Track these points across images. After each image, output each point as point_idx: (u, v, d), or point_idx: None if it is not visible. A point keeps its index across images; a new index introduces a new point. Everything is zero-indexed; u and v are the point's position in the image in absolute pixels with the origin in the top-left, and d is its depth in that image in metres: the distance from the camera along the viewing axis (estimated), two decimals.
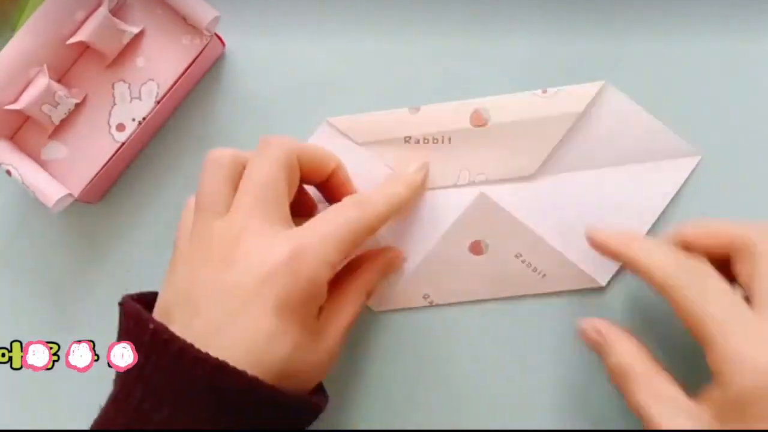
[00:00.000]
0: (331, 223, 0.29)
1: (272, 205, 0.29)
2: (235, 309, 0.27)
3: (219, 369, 0.25)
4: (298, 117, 0.37)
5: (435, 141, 0.36)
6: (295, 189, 0.31)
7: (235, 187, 0.30)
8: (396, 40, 0.37)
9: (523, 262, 0.35)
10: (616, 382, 0.30)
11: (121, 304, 0.29)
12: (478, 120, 0.35)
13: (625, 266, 0.33)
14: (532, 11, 0.37)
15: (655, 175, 0.35)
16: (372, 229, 0.30)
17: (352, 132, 0.36)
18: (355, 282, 0.32)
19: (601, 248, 0.32)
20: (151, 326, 0.26)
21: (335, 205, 0.30)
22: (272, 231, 0.29)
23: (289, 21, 0.38)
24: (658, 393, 0.28)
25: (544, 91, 0.35)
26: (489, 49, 0.37)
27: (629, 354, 0.30)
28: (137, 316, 0.27)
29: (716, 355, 0.27)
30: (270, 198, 0.29)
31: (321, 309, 0.30)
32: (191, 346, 0.26)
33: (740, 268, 0.29)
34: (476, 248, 0.35)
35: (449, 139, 0.36)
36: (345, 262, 0.33)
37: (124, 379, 0.27)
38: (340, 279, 0.32)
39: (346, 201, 0.31)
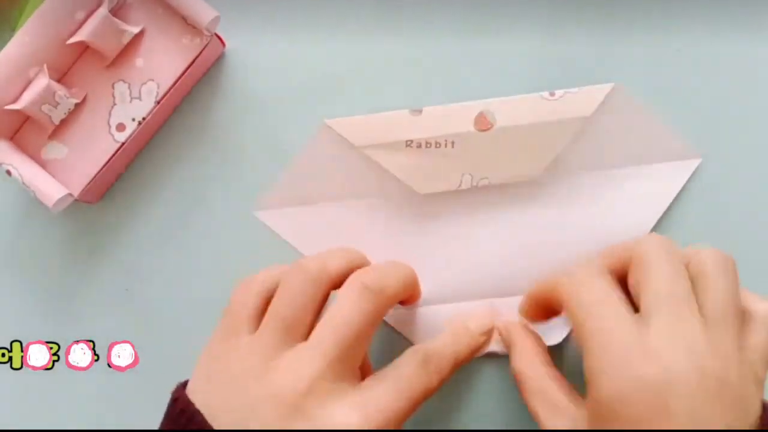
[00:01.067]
0: (401, 395, 0.28)
1: (351, 360, 0.28)
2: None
3: None
4: (299, 117, 0.37)
5: (437, 145, 0.35)
6: (321, 306, 0.29)
7: (266, 303, 0.29)
8: (396, 40, 0.37)
9: None
10: (515, 383, 0.31)
11: (175, 399, 0.28)
12: (483, 123, 0.34)
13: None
14: (535, 11, 0.37)
15: (657, 177, 0.35)
16: (431, 394, 0.29)
17: (351, 134, 0.35)
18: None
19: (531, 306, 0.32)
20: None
21: (404, 367, 0.29)
22: (344, 396, 0.27)
23: (290, 21, 0.38)
24: (544, 397, 0.29)
25: (552, 94, 0.35)
26: (491, 49, 0.37)
27: (525, 358, 0.31)
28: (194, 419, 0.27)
29: (588, 364, 0.27)
30: (300, 327, 0.28)
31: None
32: None
33: (630, 279, 0.29)
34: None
35: (452, 143, 0.35)
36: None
37: None
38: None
39: (412, 362, 0.29)
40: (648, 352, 0.26)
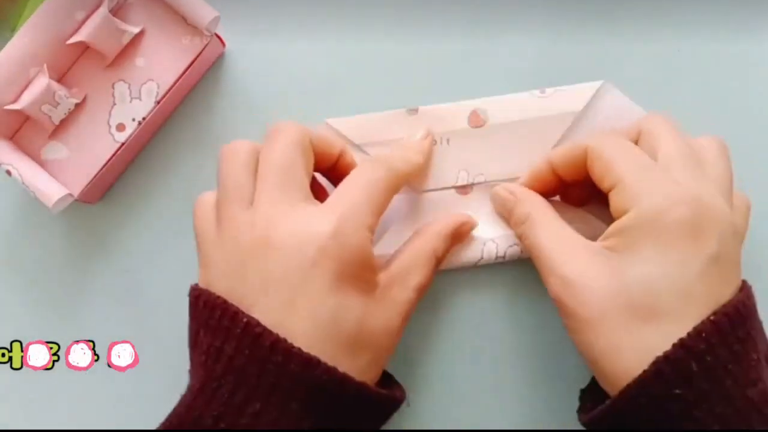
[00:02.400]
0: (359, 188, 0.30)
1: (295, 186, 0.29)
2: (292, 296, 0.27)
3: (310, 363, 0.26)
4: (298, 117, 0.37)
5: (433, 142, 0.35)
6: (311, 170, 0.31)
7: (255, 175, 0.30)
8: (396, 40, 0.37)
9: None
10: (520, 230, 0.32)
11: (196, 295, 0.29)
12: (477, 120, 0.35)
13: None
14: (531, 11, 0.37)
15: None
16: (397, 187, 0.31)
17: (350, 133, 0.36)
18: (423, 247, 0.32)
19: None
20: (244, 320, 0.26)
21: (355, 170, 0.31)
22: (304, 210, 0.29)
23: (289, 21, 0.38)
24: (557, 233, 0.31)
25: (542, 92, 0.35)
26: (489, 49, 0.37)
27: (535, 203, 0.32)
28: (223, 308, 0.27)
29: (622, 193, 0.29)
30: (291, 179, 0.29)
31: (387, 274, 0.30)
32: (284, 340, 0.26)
33: (643, 146, 0.31)
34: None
35: (447, 140, 0.35)
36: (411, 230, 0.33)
37: (211, 370, 0.27)
38: (408, 245, 0.32)
39: (364, 163, 0.31)
40: (681, 184, 0.28)
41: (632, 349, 0.27)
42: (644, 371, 0.26)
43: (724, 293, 0.27)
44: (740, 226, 0.30)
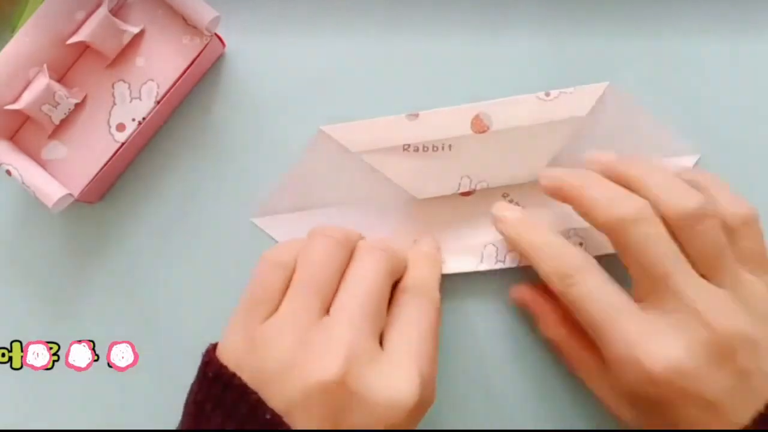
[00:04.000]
0: (424, 338, 0.28)
1: (378, 319, 0.28)
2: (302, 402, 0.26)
3: None
4: (298, 117, 0.37)
5: (435, 149, 0.34)
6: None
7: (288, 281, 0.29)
8: (396, 40, 0.37)
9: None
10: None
11: (218, 372, 0.28)
12: (480, 126, 0.34)
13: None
14: (532, 11, 0.37)
15: None
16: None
17: (348, 140, 0.35)
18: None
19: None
20: (267, 415, 0.26)
21: (411, 308, 0.29)
22: (383, 359, 0.27)
23: (289, 21, 0.38)
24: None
25: (547, 94, 0.34)
26: (490, 48, 0.37)
27: (555, 330, 0.33)
28: (247, 397, 0.26)
29: (605, 354, 0.29)
30: (375, 311, 0.28)
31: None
32: None
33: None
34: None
35: (449, 147, 0.34)
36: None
37: None
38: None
39: (418, 299, 0.30)
40: (653, 338, 0.27)
41: None
42: None
43: None
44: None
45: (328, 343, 0.27)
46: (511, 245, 0.33)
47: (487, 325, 0.35)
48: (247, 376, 0.27)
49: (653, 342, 0.27)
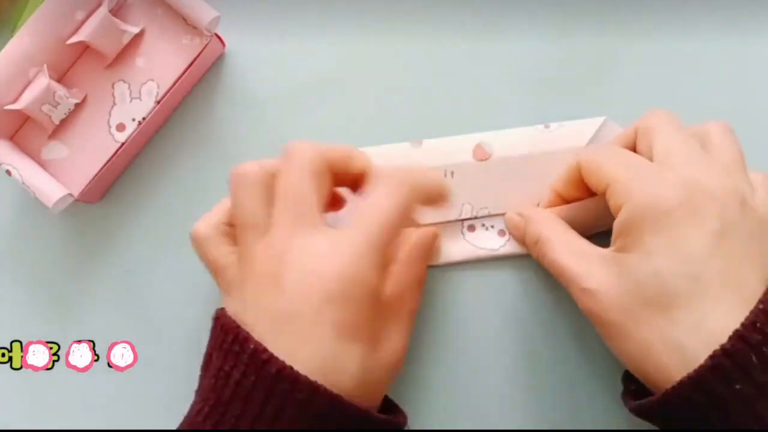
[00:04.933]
0: (374, 218, 0.28)
1: (308, 217, 0.29)
2: (297, 338, 0.27)
3: (316, 391, 0.26)
4: (298, 117, 0.37)
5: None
6: (326, 193, 0.30)
7: (270, 200, 0.30)
8: (396, 40, 0.37)
9: None
10: (535, 251, 0.32)
11: (216, 318, 0.29)
12: (481, 154, 0.35)
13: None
14: (533, 11, 0.37)
15: None
16: (411, 214, 0.30)
17: None
18: (409, 277, 0.32)
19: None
20: (251, 345, 0.26)
21: (373, 192, 0.29)
22: (313, 245, 0.28)
23: (289, 21, 0.38)
24: (570, 248, 0.31)
25: (547, 126, 0.35)
26: (490, 49, 0.37)
27: (542, 221, 0.33)
28: (236, 333, 0.27)
29: (617, 189, 0.29)
30: (306, 211, 0.29)
31: (381, 310, 0.29)
32: (290, 368, 0.26)
33: (639, 146, 0.31)
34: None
35: (452, 174, 0.35)
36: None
37: (219, 394, 0.27)
38: (396, 274, 0.32)
39: (381, 183, 0.29)
40: (674, 172, 0.28)
41: (661, 343, 0.27)
42: (700, 366, 0.25)
43: (745, 270, 0.27)
44: (761, 201, 0.29)
45: (266, 250, 0.28)
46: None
47: (483, 320, 0.36)
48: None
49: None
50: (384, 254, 0.28)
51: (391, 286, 0.31)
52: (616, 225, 0.29)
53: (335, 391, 0.26)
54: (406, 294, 0.31)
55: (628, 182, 0.29)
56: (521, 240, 0.34)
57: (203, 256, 0.31)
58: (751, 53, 0.36)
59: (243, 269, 0.29)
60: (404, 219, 0.29)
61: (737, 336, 0.25)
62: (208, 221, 0.31)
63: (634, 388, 0.30)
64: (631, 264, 0.28)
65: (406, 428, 0.31)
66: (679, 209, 0.27)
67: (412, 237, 0.33)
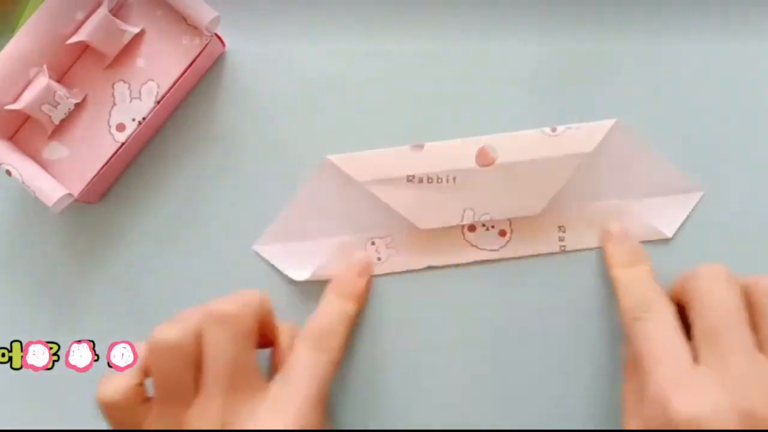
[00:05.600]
0: (306, 386, 0.30)
1: (245, 381, 0.29)
2: None
3: None
4: (298, 117, 0.37)
5: (439, 180, 0.34)
6: (257, 345, 0.30)
7: (195, 366, 0.29)
8: (396, 39, 0.37)
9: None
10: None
11: None
12: (485, 159, 0.34)
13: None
14: (536, 12, 0.37)
15: (658, 210, 0.35)
16: (337, 365, 0.32)
17: (353, 170, 0.35)
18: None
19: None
20: None
21: (298, 360, 0.30)
22: (259, 415, 0.28)
23: (289, 22, 0.38)
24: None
25: (553, 129, 0.34)
26: (490, 49, 0.37)
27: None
28: None
29: (645, 390, 0.28)
30: (242, 376, 0.29)
31: None
32: None
33: (690, 313, 0.30)
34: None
35: (454, 179, 0.34)
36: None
37: None
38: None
39: (302, 347, 0.31)
40: (689, 388, 0.27)
41: None
42: None
43: None
44: None
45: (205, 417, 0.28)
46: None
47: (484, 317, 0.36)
48: None
49: (688, 390, 0.27)
50: (319, 417, 0.29)
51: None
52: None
53: None
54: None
55: (651, 393, 0.28)
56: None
57: (117, 425, 0.29)
58: (752, 53, 0.36)
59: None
60: (331, 376, 0.31)
61: None
62: (119, 384, 0.29)
63: None
64: None
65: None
66: None
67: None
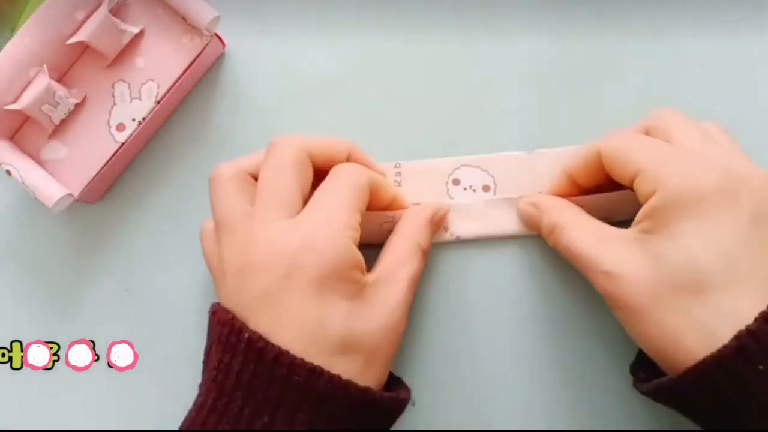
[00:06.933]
0: (334, 192, 0.30)
1: (285, 206, 0.30)
2: (276, 309, 0.28)
3: (313, 373, 0.26)
4: (298, 117, 0.37)
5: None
6: (309, 183, 0.31)
7: (248, 197, 0.31)
8: (396, 40, 0.37)
9: None
10: (552, 240, 0.32)
11: (212, 312, 0.30)
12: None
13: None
14: (533, 12, 0.37)
15: None
16: (371, 188, 0.31)
17: None
18: (405, 243, 0.32)
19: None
20: (246, 335, 0.27)
21: (330, 175, 0.31)
22: (279, 227, 0.29)
23: (289, 21, 0.38)
24: (587, 231, 0.31)
25: (531, 152, 0.35)
26: (490, 49, 0.37)
27: (557, 209, 0.32)
28: (231, 325, 0.28)
29: (647, 176, 0.28)
30: (283, 200, 0.30)
31: (375, 274, 0.30)
32: (287, 352, 0.26)
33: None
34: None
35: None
36: (388, 223, 0.34)
37: (221, 386, 0.27)
38: (390, 246, 0.32)
39: (337, 167, 0.31)
40: (708, 159, 0.28)
41: (688, 327, 0.26)
42: (725, 345, 0.25)
43: None
44: None
45: (244, 240, 0.29)
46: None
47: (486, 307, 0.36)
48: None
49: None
50: (350, 220, 0.29)
51: (382, 258, 0.32)
52: (645, 209, 0.28)
53: (322, 351, 0.27)
54: (400, 260, 0.31)
55: (661, 168, 0.28)
56: (536, 229, 0.34)
57: (220, 200, 0.31)
58: (752, 53, 0.36)
59: (229, 261, 0.30)
60: (365, 189, 0.31)
61: (763, 317, 0.25)
62: (234, 165, 0.32)
63: (644, 377, 0.29)
64: (661, 247, 0.27)
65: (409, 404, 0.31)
66: (715, 195, 0.27)
67: (408, 211, 0.34)
